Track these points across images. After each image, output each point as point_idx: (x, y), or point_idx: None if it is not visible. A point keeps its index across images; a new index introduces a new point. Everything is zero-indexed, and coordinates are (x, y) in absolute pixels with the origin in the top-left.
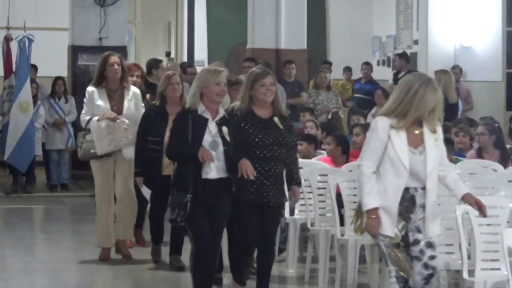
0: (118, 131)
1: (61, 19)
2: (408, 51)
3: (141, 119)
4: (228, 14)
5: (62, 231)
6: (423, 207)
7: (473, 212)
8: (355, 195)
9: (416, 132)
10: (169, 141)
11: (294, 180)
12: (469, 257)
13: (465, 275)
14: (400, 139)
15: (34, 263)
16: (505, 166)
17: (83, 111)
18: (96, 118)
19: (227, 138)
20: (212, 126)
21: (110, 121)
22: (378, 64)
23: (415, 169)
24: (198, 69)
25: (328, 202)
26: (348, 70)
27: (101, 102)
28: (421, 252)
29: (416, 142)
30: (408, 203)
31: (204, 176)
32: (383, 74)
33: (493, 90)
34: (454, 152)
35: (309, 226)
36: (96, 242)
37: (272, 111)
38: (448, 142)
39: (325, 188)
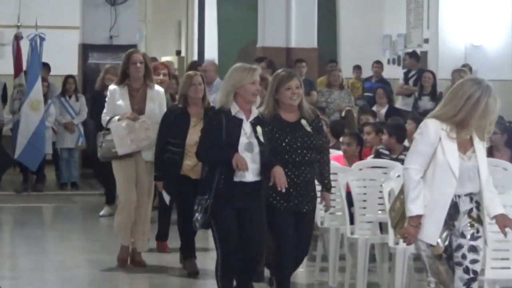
0: (139, 131)
1: (72, 17)
2: (419, 50)
3: (161, 120)
4: (238, 13)
5: (72, 229)
6: (467, 213)
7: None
8: (365, 193)
9: (467, 136)
10: (200, 143)
11: (325, 186)
12: None
13: None
14: (451, 144)
15: (44, 261)
16: None
17: (105, 110)
18: (117, 117)
19: (261, 139)
20: (247, 127)
21: (131, 121)
22: (388, 62)
23: (462, 176)
24: None
25: (338, 200)
26: (358, 68)
27: (122, 101)
28: (463, 256)
29: (465, 147)
30: (452, 211)
31: (238, 179)
32: (393, 73)
33: (504, 89)
34: None
35: (318, 224)
36: (105, 240)
37: (299, 113)
38: None
39: (335, 187)
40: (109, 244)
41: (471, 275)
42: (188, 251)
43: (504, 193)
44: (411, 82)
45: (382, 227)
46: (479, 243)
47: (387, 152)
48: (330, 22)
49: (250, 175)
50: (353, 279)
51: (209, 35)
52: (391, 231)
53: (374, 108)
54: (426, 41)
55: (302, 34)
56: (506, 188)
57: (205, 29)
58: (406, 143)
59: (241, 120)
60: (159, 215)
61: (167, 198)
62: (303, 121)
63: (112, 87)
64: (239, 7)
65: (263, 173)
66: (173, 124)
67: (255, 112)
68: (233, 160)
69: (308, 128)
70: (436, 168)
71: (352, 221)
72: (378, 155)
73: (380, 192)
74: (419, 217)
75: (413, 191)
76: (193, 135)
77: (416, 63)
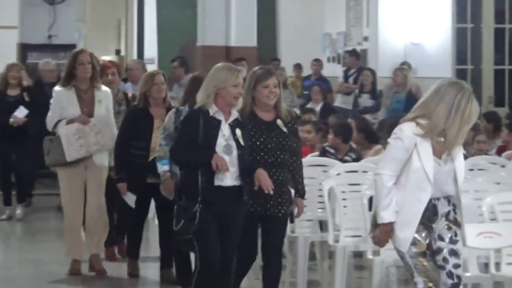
0: (90, 135)
1: (10, 17)
2: (358, 48)
3: (122, 121)
4: (178, 12)
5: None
6: (445, 216)
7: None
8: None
9: (441, 139)
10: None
11: (298, 192)
12: None
13: None
14: (427, 150)
15: None
16: None
17: (50, 113)
18: (64, 121)
19: (241, 141)
20: (225, 129)
21: (81, 125)
22: (328, 61)
23: (439, 180)
24: (150, 67)
25: None
26: (298, 67)
27: (70, 104)
28: (445, 260)
29: (440, 151)
30: (430, 213)
31: (217, 183)
32: (333, 71)
33: None
34: None
35: None
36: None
37: (275, 113)
38: None
39: None
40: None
41: (455, 280)
42: (166, 261)
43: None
44: (351, 80)
45: (322, 225)
46: (458, 246)
47: (333, 151)
48: (270, 20)
49: (228, 179)
50: (294, 277)
51: (149, 34)
52: (331, 228)
53: (310, 105)
54: (366, 39)
55: (242, 32)
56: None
57: (144, 28)
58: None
59: (219, 121)
60: (117, 218)
61: (131, 199)
62: (279, 121)
63: (57, 88)
64: (179, 6)
65: (243, 178)
66: (134, 126)
67: (234, 114)
68: (213, 160)
69: (284, 129)
70: (410, 173)
71: (292, 220)
72: (323, 153)
73: (320, 190)
74: (390, 224)
75: (385, 198)
76: (158, 138)
77: (356, 61)
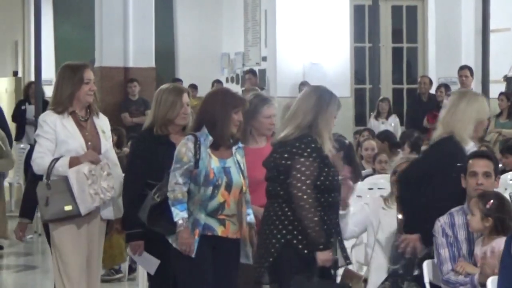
0: (101, 179)
1: None
2: (257, 68)
3: (132, 153)
4: (75, 33)
5: None
6: None
7: None
8: None
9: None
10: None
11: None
12: None
13: None
14: None
15: None
16: (355, 182)
17: (40, 149)
18: (64, 160)
19: None
20: None
21: (92, 165)
22: (227, 81)
23: None
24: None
25: None
26: (193, 87)
27: (71, 136)
28: None
29: None
30: None
31: None
32: None
33: (342, 106)
34: None
35: None
36: None
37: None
38: None
39: None
40: None
41: None
42: None
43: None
44: None
45: None
46: None
47: None
48: (168, 41)
49: None
50: None
51: (46, 55)
52: None
53: None
54: (264, 59)
55: (140, 53)
56: None
57: (41, 49)
58: None
59: None
60: None
61: (151, 264)
62: None
63: (51, 116)
64: (76, 27)
65: None
66: (153, 159)
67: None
68: None
69: None
70: None
71: None
72: None
73: None
74: None
75: None
76: None
77: (255, 81)
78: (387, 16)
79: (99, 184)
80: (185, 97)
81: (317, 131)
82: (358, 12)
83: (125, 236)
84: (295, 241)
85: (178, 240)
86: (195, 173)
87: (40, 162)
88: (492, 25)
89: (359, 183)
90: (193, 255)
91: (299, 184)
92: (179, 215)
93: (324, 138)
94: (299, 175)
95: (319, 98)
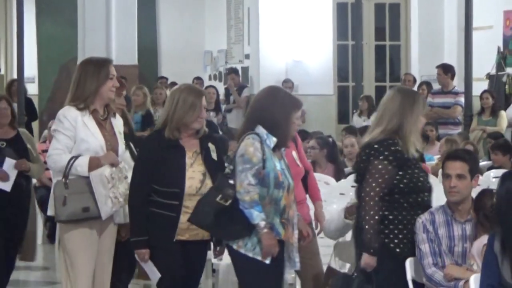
0: (118, 182)
1: None
2: (240, 66)
3: (140, 157)
4: (58, 30)
5: None
6: None
7: None
8: None
9: None
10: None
11: None
12: None
13: None
14: None
15: None
16: (338, 179)
17: (57, 146)
18: (84, 160)
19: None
20: None
21: (112, 167)
22: (210, 79)
23: None
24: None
25: None
26: (174, 85)
27: (92, 135)
28: None
29: None
30: None
31: None
32: None
33: (325, 104)
34: None
35: None
36: None
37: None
38: None
39: None
40: None
41: None
42: None
43: (326, 207)
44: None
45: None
46: None
47: None
48: (151, 38)
49: None
50: None
51: (29, 52)
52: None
53: None
54: (247, 56)
55: (123, 51)
56: (329, 202)
57: (24, 46)
58: None
59: None
60: None
61: (155, 275)
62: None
63: (73, 112)
64: (59, 24)
65: None
66: (161, 164)
67: None
68: None
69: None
70: None
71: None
72: None
73: None
74: None
75: None
76: (192, 180)
77: (237, 78)
78: (370, 13)
79: (117, 187)
80: (204, 100)
81: (403, 134)
82: (341, 9)
83: (131, 244)
84: (386, 240)
85: (261, 243)
86: (262, 174)
87: (57, 159)
88: (475, 23)
89: (343, 180)
90: (267, 261)
91: (368, 189)
92: (260, 216)
93: (409, 141)
94: (370, 179)
95: (402, 100)
